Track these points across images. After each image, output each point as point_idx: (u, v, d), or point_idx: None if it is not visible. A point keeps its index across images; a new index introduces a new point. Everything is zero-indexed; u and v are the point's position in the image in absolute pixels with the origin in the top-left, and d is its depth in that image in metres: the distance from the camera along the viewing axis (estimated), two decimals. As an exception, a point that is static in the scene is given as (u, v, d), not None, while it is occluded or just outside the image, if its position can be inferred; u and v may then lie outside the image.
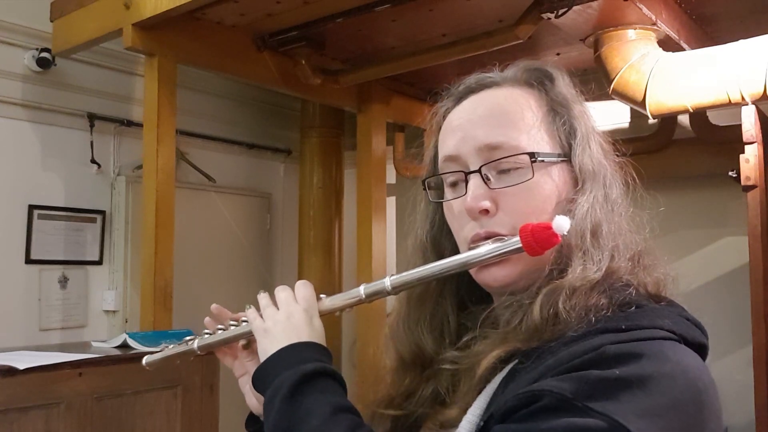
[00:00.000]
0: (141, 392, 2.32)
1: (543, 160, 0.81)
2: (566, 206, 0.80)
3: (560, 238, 0.75)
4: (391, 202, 3.95)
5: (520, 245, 0.76)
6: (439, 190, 0.90)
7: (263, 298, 0.92)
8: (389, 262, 3.67)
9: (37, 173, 3.12)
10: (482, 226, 0.81)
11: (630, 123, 3.48)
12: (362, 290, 0.88)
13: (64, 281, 3.17)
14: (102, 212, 3.31)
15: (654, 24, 2.54)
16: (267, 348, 0.86)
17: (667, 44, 2.64)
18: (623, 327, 0.71)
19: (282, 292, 0.91)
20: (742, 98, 2.33)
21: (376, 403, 0.92)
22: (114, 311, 3.30)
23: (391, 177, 3.97)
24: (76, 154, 3.23)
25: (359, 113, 3.72)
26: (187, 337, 1.03)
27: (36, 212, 3.08)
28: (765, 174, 2.45)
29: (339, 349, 3.77)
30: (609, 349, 0.68)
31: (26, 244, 3.04)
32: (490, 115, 0.84)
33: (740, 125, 2.43)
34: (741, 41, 2.39)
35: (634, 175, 0.87)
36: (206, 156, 3.73)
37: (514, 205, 0.81)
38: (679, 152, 3.21)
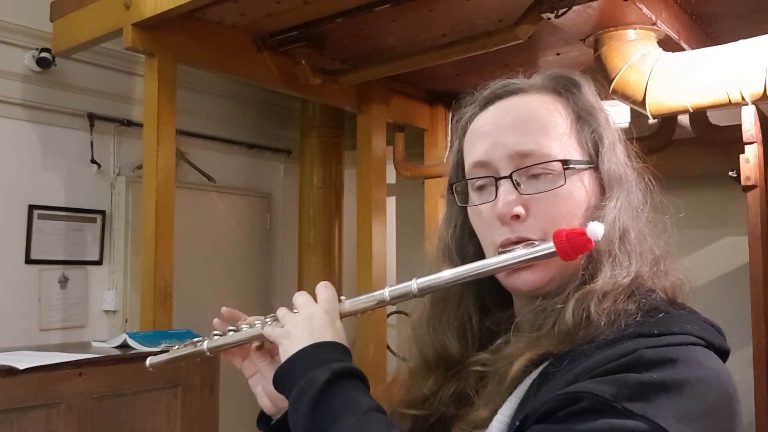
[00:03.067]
0: (141, 392, 2.32)
1: (573, 167, 0.82)
2: (594, 212, 0.82)
3: (593, 244, 0.76)
4: (391, 202, 3.96)
5: (554, 250, 0.77)
6: (465, 194, 0.90)
7: (281, 309, 0.92)
8: (389, 262, 3.68)
9: (38, 173, 3.12)
10: (513, 232, 0.82)
11: (630, 123, 3.48)
12: (387, 292, 0.87)
13: (64, 281, 3.17)
14: (102, 212, 3.31)
15: (654, 24, 2.53)
16: (288, 349, 0.85)
17: (667, 44, 2.64)
18: (656, 332, 0.72)
19: (300, 297, 0.91)
20: (742, 98, 2.33)
21: (397, 403, 0.92)
22: (114, 311, 3.30)
23: (391, 177, 3.97)
24: (76, 154, 3.23)
25: (359, 113, 3.72)
26: (195, 339, 1.00)
27: (36, 212, 3.08)
28: (765, 174, 2.45)
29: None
30: (645, 353, 0.69)
31: (26, 244, 3.04)
32: (520, 122, 0.85)
33: (740, 125, 2.43)
34: (741, 41, 2.39)
35: (653, 179, 0.89)
36: (206, 156, 3.73)
37: (546, 211, 0.81)
38: (679, 152, 3.21)
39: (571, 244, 0.76)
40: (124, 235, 3.33)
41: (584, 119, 0.86)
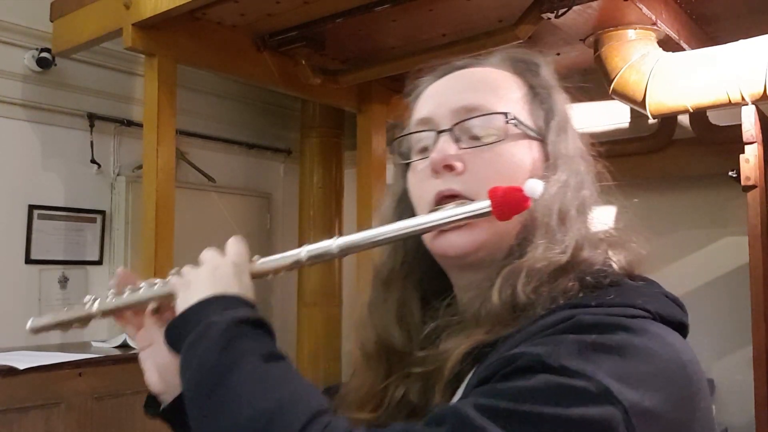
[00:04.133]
0: (141, 392, 2.31)
1: (516, 125, 0.77)
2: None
3: (530, 203, 0.69)
4: (391, 202, 3.95)
5: (489, 209, 0.70)
6: (408, 155, 0.84)
7: (187, 266, 0.82)
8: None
9: (37, 173, 3.12)
10: (446, 184, 0.76)
11: (630, 123, 3.48)
12: (304, 251, 0.79)
13: (64, 281, 3.17)
14: (102, 212, 3.31)
15: (654, 24, 2.53)
16: (188, 298, 0.75)
17: (667, 44, 2.64)
18: (593, 303, 0.66)
19: (207, 251, 0.82)
20: (742, 98, 2.33)
21: (345, 405, 0.84)
22: (114, 311, 3.29)
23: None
24: (76, 154, 3.23)
25: (359, 113, 3.72)
26: (86, 298, 0.88)
27: (36, 212, 3.08)
28: (765, 174, 2.45)
29: (339, 349, 3.77)
30: (584, 318, 0.63)
31: (26, 244, 3.04)
32: (468, 83, 0.82)
33: (740, 125, 2.43)
34: (741, 41, 2.39)
35: (609, 177, 0.83)
36: (206, 156, 3.73)
37: (483, 167, 0.76)
38: (679, 152, 3.21)
39: (507, 200, 0.69)
40: (124, 235, 3.33)
41: (538, 93, 0.82)
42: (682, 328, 0.71)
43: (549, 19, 2.50)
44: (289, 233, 4.09)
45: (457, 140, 0.77)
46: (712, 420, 0.67)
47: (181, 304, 0.76)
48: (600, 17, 2.53)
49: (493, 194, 0.70)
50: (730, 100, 2.36)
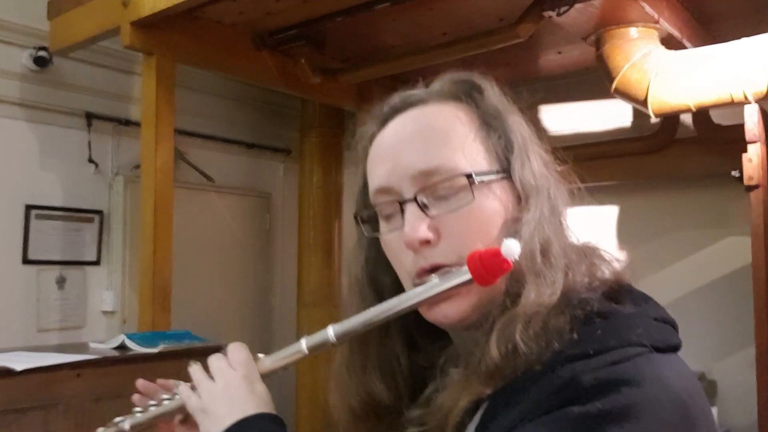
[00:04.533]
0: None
1: (482, 180, 0.75)
2: (512, 226, 0.74)
3: (511, 264, 0.70)
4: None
5: (470, 276, 0.71)
6: (374, 222, 0.82)
7: (196, 371, 0.83)
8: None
9: (35, 173, 3.10)
10: (426, 259, 0.75)
11: (632, 122, 3.47)
12: (304, 344, 0.80)
13: (61, 282, 3.15)
14: (100, 212, 3.29)
15: (656, 22, 2.52)
16: (209, 429, 0.78)
17: (670, 43, 2.63)
18: (591, 352, 0.66)
19: (215, 361, 0.83)
20: (745, 97, 2.32)
21: None
22: (112, 312, 3.28)
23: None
24: (73, 153, 3.21)
25: (359, 112, 3.70)
26: (117, 419, 0.94)
27: (33, 212, 3.06)
28: (768, 173, 2.44)
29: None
30: (583, 380, 0.63)
31: (23, 245, 3.03)
32: (419, 137, 0.77)
33: (743, 124, 2.42)
34: (744, 40, 2.37)
35: (578, 181, 0.81)
36: (205, 155, 3.71)
37: (457, 231, 0.74)
38: (681, 152, 3.20)
39: (486, 267, 0.69)
40: (123, 235, 3.31)
41: (490, 125, 0.78)
42: (673, 350, 0.71)
43: (550, 17, 2.49)
44: (289, 233, 4.08)
45: (423, 207, 0.75)
46: None
47: None
48: (602, 15, 2.52)
49: (471, 262, 0.70)
50: (732, 99, 2.35)
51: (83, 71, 3.23)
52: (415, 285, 0.76)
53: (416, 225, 0.74)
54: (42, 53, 3.03)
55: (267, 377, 0.83)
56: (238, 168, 3.96)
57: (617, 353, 0.66)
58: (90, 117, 3.23)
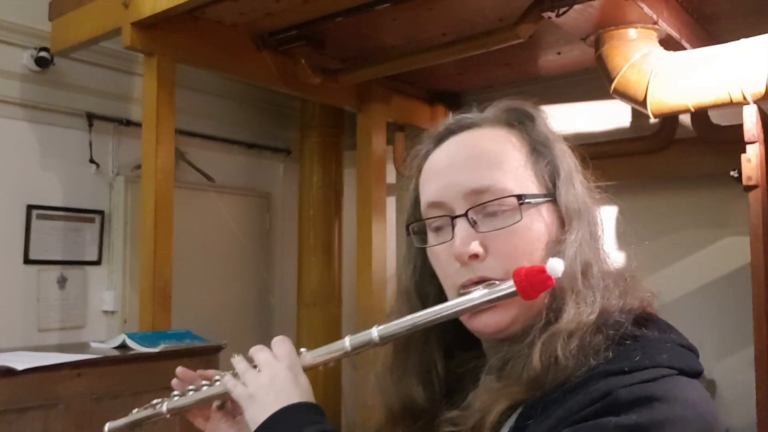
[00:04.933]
0: (140, 393, 2.31)
1: (530, 202, 0.80)
2: (555, 247, 0.79)
3: (554, 281, 0.74)
4: (391, 202, 3.95)
5: (514, 289, 0.75)
6: (422, 234, 0.87)
7: (239, 361, 0.88)
8: (389, 262, 3.67)
9: (36, 173, 3.10)
10: (473, 272, 0.79)
11: (631, 122, 3.47)
12: (348, 342, 0.84)
13: (62, 281, 3.16)
14: (101, 212, 3.30)
15: (655, 23, 2.53)
16: (256, 415, 0.81)
17: (669, 43, 2.63)
18: (626, 369, 0.71)
19: (260, 353, 0.87)
20: (744, 98, 2.32)
21: None
22: (113, 311, 3.29)
23: (391, 177, 3.96)
24: (74, 153, 3.22)
25: (359, 113, 3.71)
26: (155, 401, 0.97)
27: (34, 212, 3.07)
28: (767, 174, 2.45)
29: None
30: (620, 394, 0.68)
31: (24, 244, 3.03)
32: (473, 158, 0.83)
33: (742, 125, 2.42)
34: (742, 40, 2.38)
35: (618, 207, 0.87)
36: (205, 156, 3.72)
37: (504, 248, 0.79)
38: (680, 152, 3.21)
39: (531, 282, 0.74)
40: (123, 235, 3.32)
41: (539, 151, 0.84)
42: (697, 375, 0.76)
43: (550, 18, 2.49)
44: (289, 233, 4.08)
45: (473, 223, 0.80)
46: None
47: (252, 422, 0.82)
48: (601, 16, 2.52)
49: (517, 278, 0.75)
50: (731, 100, 2.35)
51: (84, 72, 3.24)
52: (460, 295, 0.80)
53: (466, 239, 0.79)
54: (43, 54, 3.03)
55: (308, 371, 0.87)
56: (238, 168, 3.97)
57: (649, 372, 0.70)
58: (91, 117, 3.24)
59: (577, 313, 0.75)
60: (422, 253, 0.89)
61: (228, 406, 0.94)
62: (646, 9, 2.44)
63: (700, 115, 2.95)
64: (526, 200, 0.79)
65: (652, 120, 2.97)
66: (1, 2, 2.98)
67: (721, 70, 2.37)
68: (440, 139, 0.87)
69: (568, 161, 0.85)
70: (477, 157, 0.82)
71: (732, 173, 2.48)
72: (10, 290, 2.98)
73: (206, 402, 0.93)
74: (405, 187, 0.94)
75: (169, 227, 2.79)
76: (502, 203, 0.79)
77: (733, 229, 3.08)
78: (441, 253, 0.83)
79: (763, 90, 2.28)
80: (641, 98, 2.51)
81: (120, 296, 3.30)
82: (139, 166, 3.04)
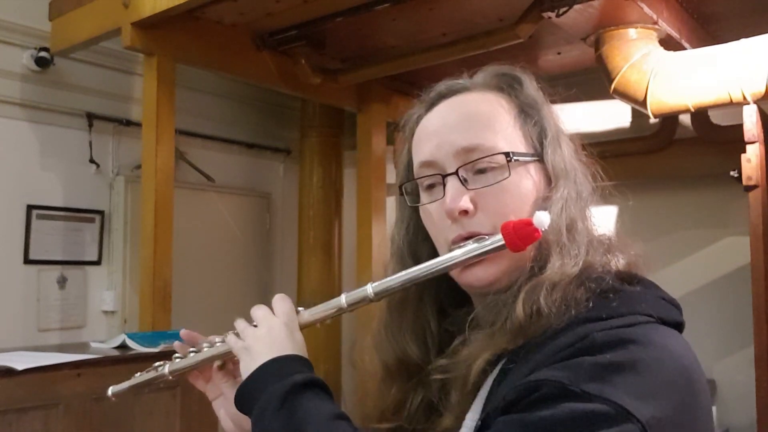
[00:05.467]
0: (140, 393, 2.31)
1: (518, 159, 0.83)
2: (542, 204, 0.82)
3: (541, 233, 0.76)
4: (391, 202, 3.94)
5: (503, 242, 0.77)
6: (415, 195, 0.90)
7: (240, 322, 0.91)
8: (389, 262, 3.66)
9: (36, 173, 3.10)
10: (463, 227, 0.82)
11: (631, 122, 3.47)
12: (343, 299, 0.87)
13: (62, 281, 3.16)
14: (101, 212, 3.30)
15: (655, 23, 2.53)
16: (249, 365, 0.84)
17: (669, 43, 2.63)
18: (604, 316, 0.73)
19: (259, 310, 0.90)
20: (744, 98, 2.32)
21: (368, 418, 0.91)
22: (113, 311, 3.29)
23: (391, 177, 3.96)
24: (74, 153, 3.22)
25: (359, 113, 3.71)
26: (157, 363, 1.00)
27: (34, 212, 3.07)
28: (767, 174, 2.45)
29: (339, 349, 3.76)
30: (597, 336, 0.70)
31: (24, 244, 3.03)
32: (464, 119, 0.86)
33: (742, 125, 2.42)
34: (742, 40, 2.38)
35: (602, 174, 0.90)
36: (205, 156, 3.72)
37: (493, 204, 0.82)
38: (680, 152, 3.21)
39: (519, 234, 0.76)
40: (123, 235, 3.32)
41: (527, 113, 0.87)
42: (679, 327, 0.79)
43: (550, 18, 2.49)
44: (289, 233, 4.08)
45: (464, 181, 0.83)
46: (711, 416, 0.75)
47: (245, 370, 0.85)
48: (601, 16, 2.52)
49: (505, 230, 0.77)
50: (731, 100, 2.35)
51: (84, 72, 3.24)
52: (451, 250, 0.83)
53: (457, 196, 0.82)
54: (43, 54, 3.03)
55: (306, 328, 0.90)
56: (238, 168, 3.97)
57: (627, 319, 0.73)
58: (91, 117, 3.24)
59: (561, 264, 0.78)
60: (415, 214, 0.92)
61: (229, 366, 0.96)
62: (646, 9, 2.44)
63: (700, 115, 2.95)
64: (515, 158, 0.82)
65: (652, 120, 2.97)
66: (1, 2, 2.98)
67: (721, 70, 2.37)
68: (432, 104, 0.91)
69: (555, 124, 0.88)
70: (468, 118, 0.86)
71: (732, 173, 2.48)
72: (10, 290, 2.98)
73: (207, 362, 0.95)
74: (399, 152, 0.97)
75: (169, 227, 2.79)
76: (491, 161, 0.82)
77: (733, 229, 3.08)
78: (433, 211, 0.86)
79: (763, 90, 2.28)
80: (641, 98, 2.52)
81: (120, 296, 3.30)
82: (139, 166, 3.04)
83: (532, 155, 0.85)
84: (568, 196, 0.83)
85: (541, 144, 0.86)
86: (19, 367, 2.04)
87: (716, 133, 3.04)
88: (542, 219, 0.76)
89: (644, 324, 0.74)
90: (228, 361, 0.95)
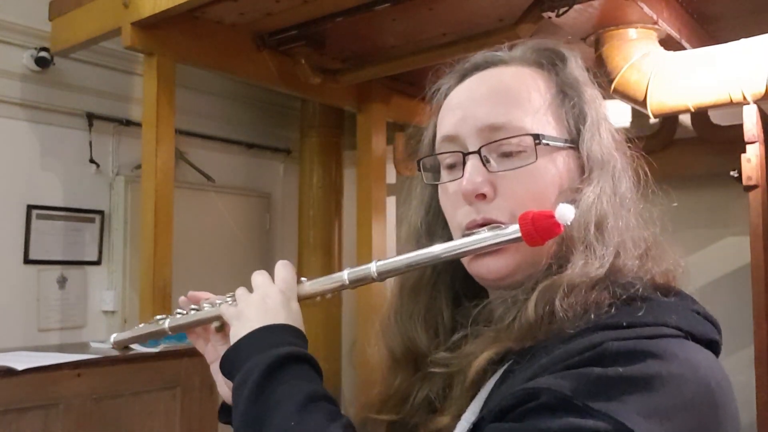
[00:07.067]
0: (140, 393, 2.32)
1: (548, 144, 0.75)
2: (570, 196, 0.74)
3: (562, 228, 0.68)
4: (391, 202, 3.95)
5: (519, 234, 0.70)
6: (436, 172, 0.83)
7: (239, 288, 0.87)
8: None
9: (36, 173, 3.10)
10: (479, 212, 0.75)
11: (631, 122, 3.47)
12: (346, 275, 0.82)
13: (62, 281, 3.16)
14: (101, 212, 3.30)
15: (655, 23, 2.53)
16: (238, 331, 0.80)
17: (669, 43, 2.63)
18: (624, 324, 0.65)
19: (258, 276, 0.86)
20: (744, 98, 2.32)
21: (369, 407, 0.85)
22: (113, 311, 3.29)
23: (391, 177, 3.96)
24: (74, 153, 3.22)
25: (359, 113, 3.71)
26: (158, 316, 0.97)
27: (34, 212, 3.07)
28: (767, 174, 2.45)
29: (339, 349, 3.76)
30: (611, 345, 0.62)
31: (24, 244, 3.03)
32: (493, 94, 0.78)
33: (742, 125, 2.42)
34: (742, 40, 2.38)
35: (647, 169, 0.81)
36: (205, 156, 3.72)
37: (514, 190, 0.74)
38: (680, 152, 3.21)
39: (537, 227, 0.68)
40: (123, 235, 3.32)
41: (566, 94, 0.79)
42: (714, 346, 0.70)
43: (550, 18, 2.49)
44: (289, 233, 4.08)
45: (485, 161, 0.76)
46: None
47: (233, 336, 0.81)
48: (601, 16, 2.52)
49: (523, 221, 0.69)
50: (731, 100, 2.35)
51: (84, 72, 3.24)
52: (464, 236, 0.76)
53: (475, 177, 0.75)
54: (43, 54, 3.03)
55: (304, 300, 0.86)
56: (238, 168, 3.97)
57: (650, 330, 0.65)
58: (91, 117, 3.24)
59: (585, 265, 0.70)
60: (435, 193, 0.84)
61: (227, 329, 0.90)
62: (646, 9, 2.44)
63: (700, 115, 2.95)
64: (544, 141, 0.74)
65: (652, 120, 2.97)
66: (1, 2, 2.97)
67: (721, 70, 2.37)
68: (464, 75, 0.83)
69: (597, 108, 0.79)
70: (497, 92, 0.78)
71: (732, 173, 2.48)
72: (10, 290, 2.98)
73: (206, 322, 0.92)
74: (424, 127, 0.89)
75: (169, 227, 2.79)
76: (519, 142, 0.75)
77: (733, 229, 3.08)
78: (450, 191, 0.79)
79: (763, 90, 2.28)
80: (641, 98, 2.51)
81: (120, 296, 3.30)
82: (139, 166, 3.04)
83: (566, 141, 0.76)
84: (602, 190, 0.74)
85: (578, 130, 0.77)
86: (19, 367, 2.05)
87: (716, 133, 3.04)
88: (565, 212, 0.67)
89: (669, 337, 0.65)
90: (226, 324, 0.90)
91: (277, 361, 0.74)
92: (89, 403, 2.20)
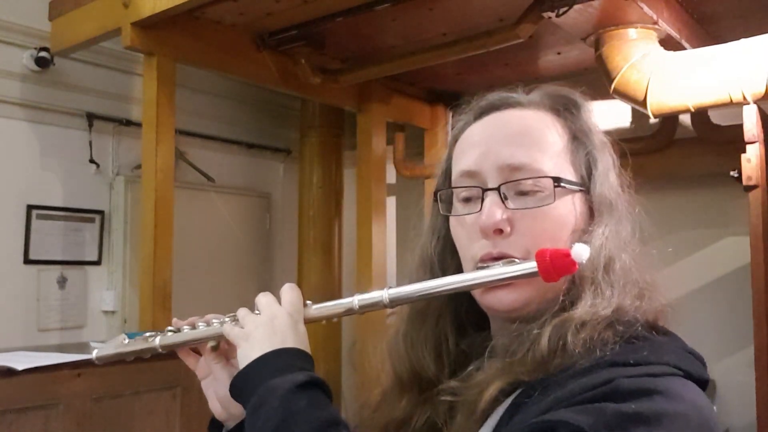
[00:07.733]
0: (140, 393, 2.31)
1: (565, 187, 0.79)
2: (581, 237, 0.79)
3: (577, 267, 0.73)
4: (391, 202, 3.95)
5: (536, 269, 0.74)
6: (449, 203, 0.87)
7: (242, 309, 0.88)
8: (389, 263, 3.67)
9: (36, 173, 3.11)
10: (495, 246, 0.79)
11: (631, 123, 3.47)
12: (356, 301, 0.83)
13: (62, 281, 3.16)
14: (101, 212, 3.30)
15: (655, 23, 2.52)
16: (248, 353, 0.81)
17: (669, 43, 2.63)
18: (632, 361, 0.70)
19: (264, 297, 0.88)
20: (744, 98, 2.32)
21: (371, 427, 0.88)
22: (113, 311, 3.29)
23: (391, 177, 3.96)
24: (74, 153, 3.22)
25: (359, 113, 3.71)
26: (148, 333, 0.96)
27: (34, 212, 3.07)
28: (767, 174, 2.44)
29: (339, 350, 3.76)
30: (622, 383, 0.67)
31: (24, 245, 3.03)
32: (516, 135, 0.82)
33: (742, 125, 2.42)
34: (742, 40, 2.38)
35: (643, 212, 0.86)
36: (205, 156, 3.72)
37: (531, 228, 0.78)
38: (680, 152, 3.20)
39: (554, 264, 0.72)
40: (123, 235, 3.32)
41: (580, 140, 0.84)
42: (702, 384, 0.75)
43: (550, 18, 2.49)
44: (289, 233, 4.08)
45: (504, 198, 0.79)
46: None
47: (243, 359, 0.82)
48: (601, 16, 2.52)
49: (540, 258, 0.73)
50: (731, 100, 2.35)
51: (84, 72, 3.24)
52: (478, 268, 0.79)
53: (494, 213, 0.78)
54: (43, 54, 3.03)
55: (311, 323, 0.86)
56: (238, 168, 3.97)
57: (655, 368, 0.70)
58: (91, 117, 3.24)
59: (593, 304, 0.75)
60: (446, 223, 0.88)
61: (222, 347, 0.93)
62: (646, 9, 2.44)
63: (700, 115, 2.94)
64: (562, 184, 0.79)
65: (652, 120, 2.97)
66: (1, 2, 2.98)
67: (721, 70, 2.36)
68: (482, 113, 0.87)
69: (607, 155, 0.85)
70: (518, 134, 0.82)
71: (732, 173, 2.48)
72: (10, 290, 2.98)
73: (200, 341, 0.92)
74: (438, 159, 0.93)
75: (169, 227, 2.79)
76: (537, 183, 0.79)
77: (732, 229, 3.08)
78: (467, 223, 0.82)
79: (763, 90, 2.28)
80: (641, 98, 2.51)
81: (120, 296, 3.30)
82: (139, 166, 3.04)
83: (579, 185, 0.81)
84: (610, 233, 0.79)
85: (590, 174, 0.82)
86: (19, 367, 2.04)
87: (716, 133, 3.04)
88: (581, 252, 0.72)
89: (671, 376, 0.70)
90: (222, 342, 0.91)
91: (292, 388, 0.76)
92: (89, 403, 2.19)
